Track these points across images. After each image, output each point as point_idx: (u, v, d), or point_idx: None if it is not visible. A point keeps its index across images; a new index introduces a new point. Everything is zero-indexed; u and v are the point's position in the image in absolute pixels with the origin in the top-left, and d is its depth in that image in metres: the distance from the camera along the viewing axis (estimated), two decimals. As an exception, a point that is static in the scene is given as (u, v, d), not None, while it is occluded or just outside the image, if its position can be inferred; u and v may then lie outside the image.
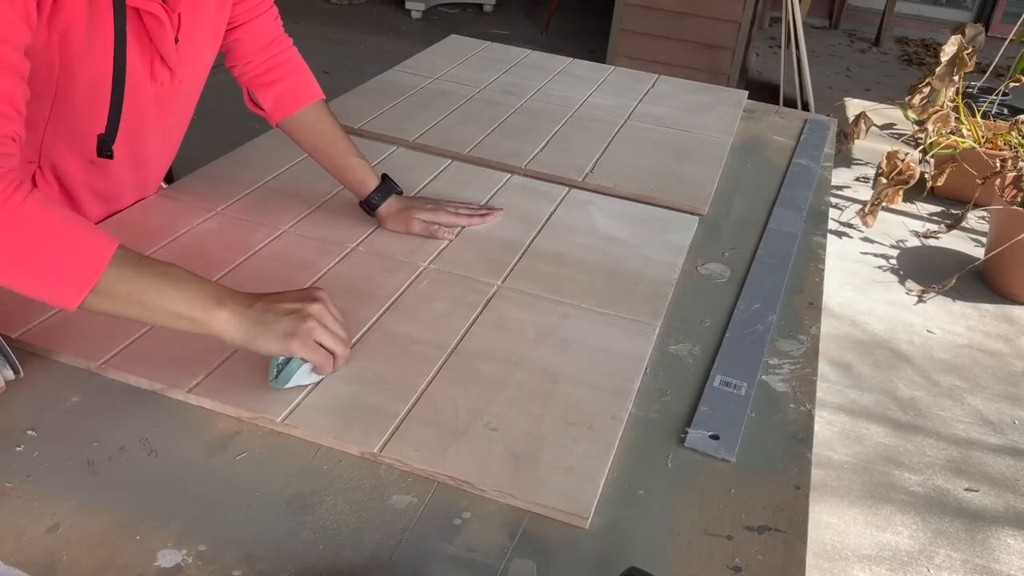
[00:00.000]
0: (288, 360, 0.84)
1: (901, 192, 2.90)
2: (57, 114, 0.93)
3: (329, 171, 1.21)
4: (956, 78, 2.82)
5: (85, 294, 0.75)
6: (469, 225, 1.21)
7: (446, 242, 1.17)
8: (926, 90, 2.91)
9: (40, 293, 0.76)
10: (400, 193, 1.21)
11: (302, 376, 0.85)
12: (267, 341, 0.81)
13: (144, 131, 1.08)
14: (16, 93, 0.79)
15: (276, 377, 0.85)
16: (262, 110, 1.18)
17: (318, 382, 0.87)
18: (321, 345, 0.84)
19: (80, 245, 0.76)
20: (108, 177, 1.11)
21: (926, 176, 3.07)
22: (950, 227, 3.07)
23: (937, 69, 2.83)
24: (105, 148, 0.99)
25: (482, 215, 1.22)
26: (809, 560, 1.57)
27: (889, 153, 2.98)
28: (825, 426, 2.23)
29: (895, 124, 4.12)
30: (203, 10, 1.03)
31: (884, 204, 2.95)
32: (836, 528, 1.92)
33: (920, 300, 2.82)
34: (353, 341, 0.95)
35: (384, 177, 1.19)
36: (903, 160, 2.91)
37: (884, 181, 2.92)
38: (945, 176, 3.07)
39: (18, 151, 0.79)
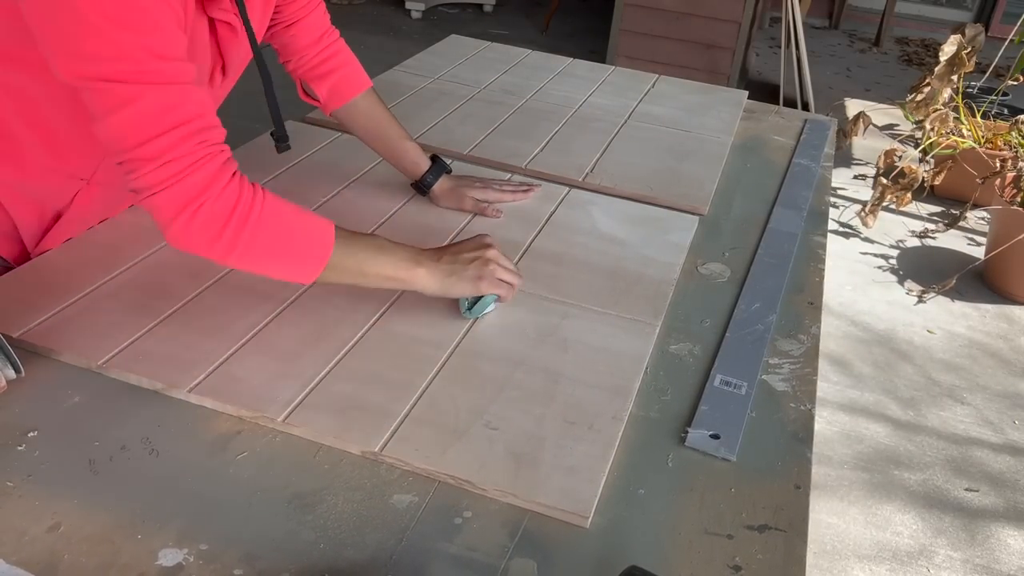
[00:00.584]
0: (477, 298, 0.98)
1: (910, 195, 2.90)
2: None
3: (382, 155, 1.28)
4: (955, 78, 2.82)
5: (321, 270, 0.89)
6: (513, 201, 1.29)
7: (446, 241, 1.17)
8: (926, 90, 2.92)
9: (286, 275, 0.89)
10: (450, 172, 1.29)
11: (487, 305, 1.00)
12: (461, 285, 0.97)
13: None
14: (207, 101, 0.85)
15: (469, 309, 0.99)
16: (317, 101, 1.23)
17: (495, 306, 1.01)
18: (502, 280, 0.98)
19: (310, 232, 0.89)
20: None
21: (925, 176, 3.07)
22: (948, 226, 3.07)
23: (936, 68, 2.83)
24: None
25: (524, 191, 1.31)
26: (809, 560, 1.58)
27: (887, 152, 2.99)
28: (825, 426, 2.23)
29: (895, 124, 4.13)
30: (253, 15, 1.05)
31: (892, 207, 2.95)
32: (836, 528, 1.92)
33: (920, 300, 2.82)
34: (353, 341, 0.95)
35: (434, 158, 1.27)
36: (901, 159, 2.91)
37: (884, 181, 2.92)
38: (943, 175, 3.07)
39: (229, 151, 0.87)
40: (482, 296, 0.99)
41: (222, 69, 1.05)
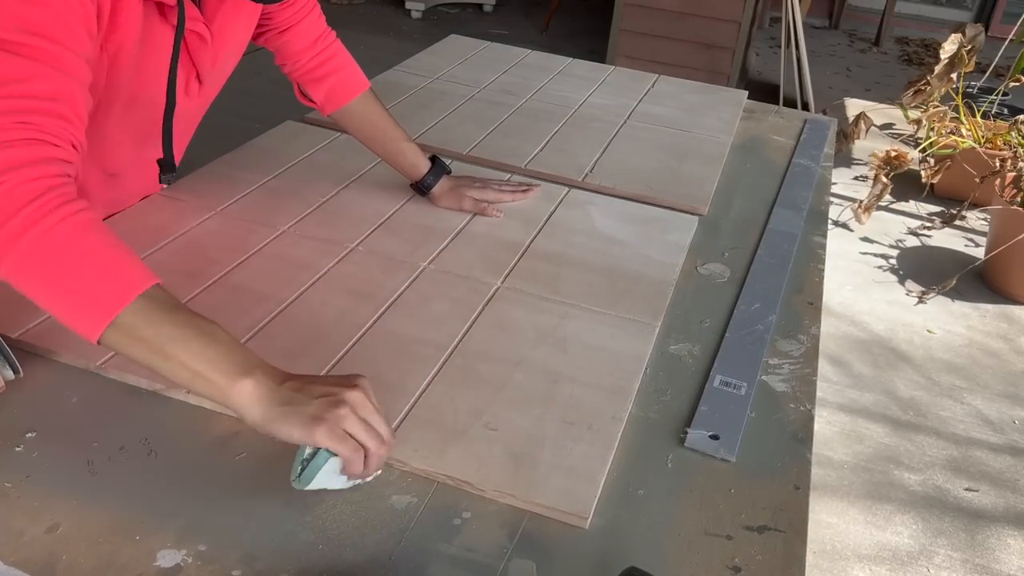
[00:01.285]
0: (314, 454, 0.72)
1: (891, 173, 2.89)
2: (89, 129, 0.87)
3: (381, 156, 1.27)
4: (954, 76, 2.82)
5: (104, 326, 0.68)
6: (512, 201, 1.28)
7: (446, 241, 1.17)
8: (925, 88, 2.92)
9: (63, 316, 0.70)
10: (450, 173, 1.27)
11: (328, 476, 0.72)
12: (290, 423, 0.69)
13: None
14: (80, 99, 0.77)
15: (299, 476, 0.72)
16: (313, 103, 1.23)
17: (350, 488, 0.76)
18: (351, 437, 0.71)
19: (112, 274, 0.70)
20: (120, 187, 1.12)
21: (923, 175, 3.07)
22: (945, 223, 3.07)
23: (936, 68, 2.83)
24: (167, 171, 1.01)
25: (523, 191, 1.29)
26: (809, 560, 1.57)
27: (886, 152, 2.99)
28: (825, 426, 2.23)
29: (895, 124, 4.12)
30: (234, 26, 1.05)
31: (880, 200, 2.95)
32: (836, 528, 1.92)
33: (920, 301, 2.82)
34: (352, 341, 0.95)
35: (434, 159, 1.26)
36: (896, 156, 2.91)
37: (885, 180, 2.92)
38: (942, 174, 3.07)
39: (78, 160, 0.77)
40: (317, 454, 0.71)
41: (197, 78, 1.04)
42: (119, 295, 0.69)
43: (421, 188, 1.25)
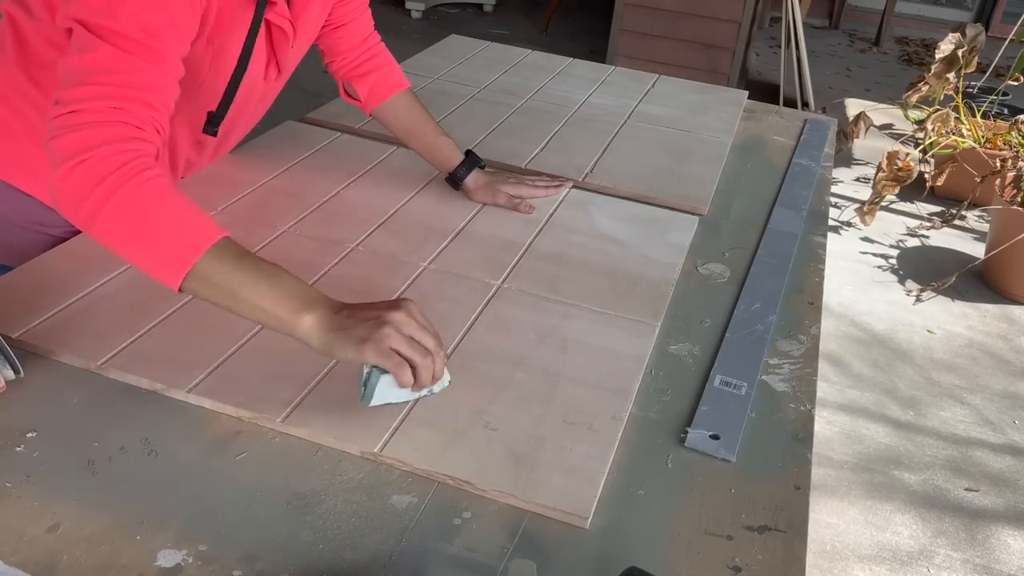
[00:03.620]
0: (370, 374, 0.79)
1: (897, 186, 2.90)
2: (181, 101, 0.95)
3: (418, 151, 1.31)
4: (951, 76, 2.82)
5: (183, 275, 0.77)
6: (546, 196, 1.31)
7: (446, 241, 1.17)
8: (924, 88, 2.91)
9: (147, 268, 0.79)
10: (483, 167, 1.30)
11: (387, 391, 0.79)
12: (343, 346, 0.77)
13: (242, 116, 1.20)
14: (170, 92, 0.87)
15: (363, 396, 0.80)
16: (357, 100, 1.30)
17: (414, 402, 0.83)
18: (398, 352, 0.77)
19: (187, 229, 0.79)
20: (201, 150, 1.23)
21: (926, 176, 3.07)
22: (944, 223, 3.07)
23: (933, 67, 2.83)
24: (211, 127, 1.09)
25: (556, 186, 1.33)
26: (809, 560, 1.58)
27: (890, 153, 2.98)
28: (825, 426, 2.23)
29: (895, 124, 4.12)
30: (310, 19, 1.13)
31: (882, 201, 2.95)
32: (836, 528, 1.92)
33: (918, 299, 2.82)
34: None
35: (468, 153, 1.28)
36: (903, 160, 2.91)
37: (885, 181, 2.92)
38: (945, 176, 3.07)
39: (159, 144, 0.84)
40: (371, 373, 0.78)
41: (276, 66, 1.13)
42: (194, 248, 0.78)
43: (454, 180, 1.27)
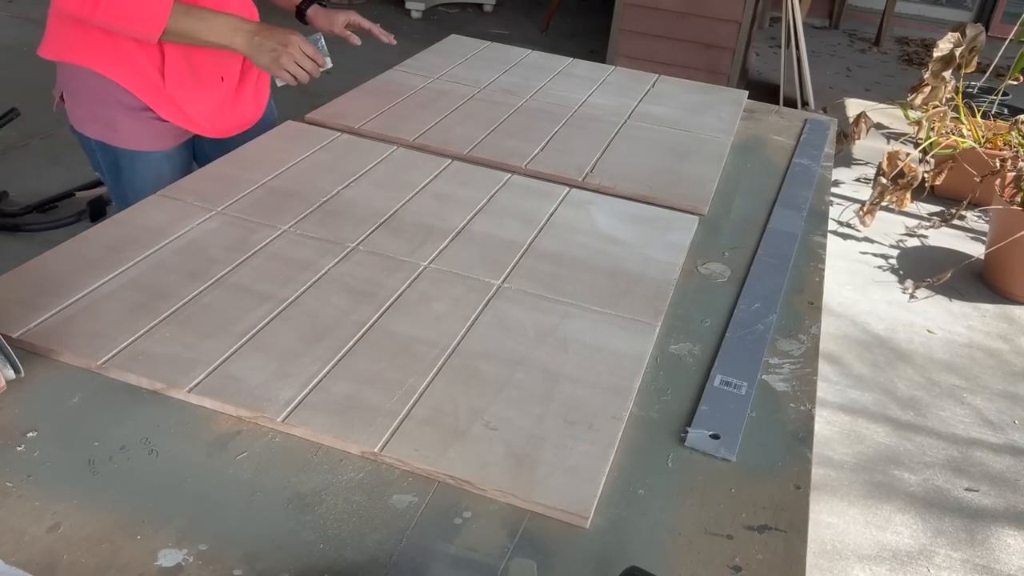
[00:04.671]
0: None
1: (909, 195, 2.90)
2: None
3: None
4: (947, 74, 2.82)
5: (162, 29, 1.24)
6: (369, 31, 1.59)
7: (446, 241, 1.17)
8: (926, 90, 2.92)
9: (135, 30, 1.23)
10: (324, 5, 1.61)
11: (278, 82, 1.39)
12: (261, 58, 1.31)
13: None
14: None
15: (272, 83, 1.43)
16: None
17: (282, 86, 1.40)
18: (286, 69, 1.33)
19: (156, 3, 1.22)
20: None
21: (925, 176, 3.07)
22: (942, 223, 3.07)
23: (931, 65, 2.83)
24: None
25: (384, 34, 1.62)
26: (809, 560, 1.57)
27: (890, 154, 2.98)
28: (825, 426, 2.23)
29: (895, 124, 4.12)
30: None
31: (893, 207, 2.95)
32: (836, 528, 1.92)
33: (913, 296, 2.82)
34: (352, 340, 0.95)
35: None
36: (904, 161, 2.91)
37: (884, 181, 2.92)
38: (944, 175, 3.07)
39: None
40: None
41: None
42: (163, 9, 1.22)
43: (300, 14, 1.58)
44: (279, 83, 1.39)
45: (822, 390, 2.35)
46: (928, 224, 3.24)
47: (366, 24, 1.57)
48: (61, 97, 1.40)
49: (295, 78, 1.34)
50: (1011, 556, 1.89)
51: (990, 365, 2.55)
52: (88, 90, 1.35)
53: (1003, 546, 1.91)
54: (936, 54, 2.81)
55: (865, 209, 2.99)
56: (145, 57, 1.33)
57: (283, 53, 1.30)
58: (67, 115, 1.40)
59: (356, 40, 1.54)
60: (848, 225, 3.27)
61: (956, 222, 3.31)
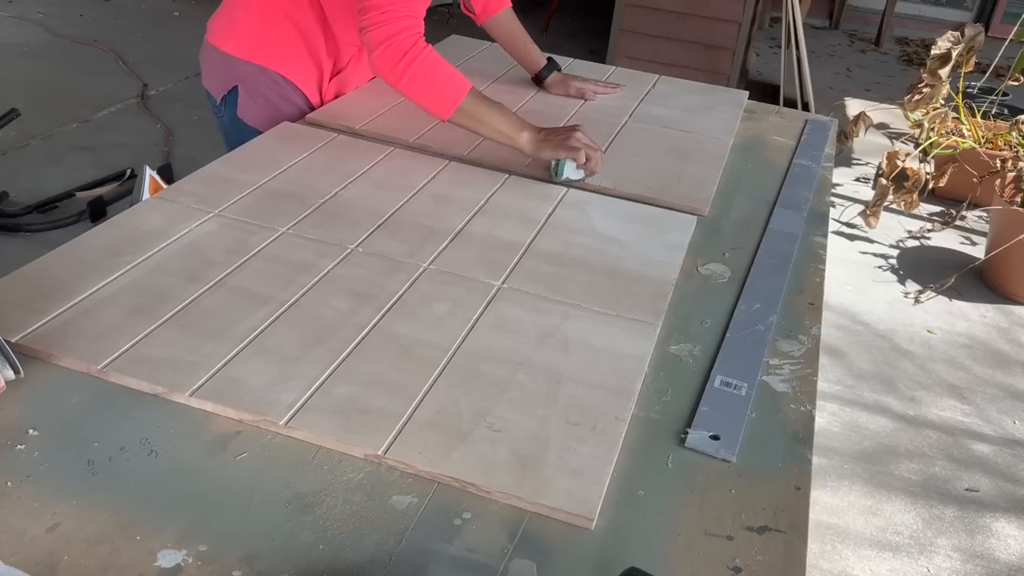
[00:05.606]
0: (559, 161, 1.34)
1: (917, 198, 2.90)
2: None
3: (513, 55, 1.78)
4: (944, 73, 2.81)
5: (454, 110, 1.32)
6: (605, 93, 1.77)
7: (446, 242, 1.17)
8: (926, 90, 2.91)
9: (432, 106, 1.33)
10: (559, 70, 1.78)
11: (569, 170, 1.35)
12: (546, 149, 1.35)
13: None
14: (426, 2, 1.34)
15: (556, 171, 1.36)
16: (473, 13, 1.71)
17: (583, 179, 1.38)
18: (576, 148, 1.34)
19: (453, 81, 1.33)
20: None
21: (928, 176, 3.07)
22: (944, 225, 3.07)
23: (928, 63, 2.83)
24: None
25: (612, 87, 1.78)
26: (809, 560, 1.57)
27: (889, 153, 2.98)
28: (825, 424, 2.23)
29: (895, 124, 4.12)
30: None
31: (898, 208, 2.95)
32: (836, 527, 1.92)
33: (917, 301, 2.82)
34: (354, 343, 0.95)
35: (550, 59, 1.77)
36: (903, 161, 2.90)
37: (884, 182, 2.92)
38: (947, 177, 3.07)
39: (422, 29, 1.32)
40: (559, 161, 1.35)
41: None
42: (460, 92, 1.33)
43: (539, 79, 1.76)
44: (573, 174, 1.36)
45: (822, 389, 2.35)
46: (930, 228, 3.24)
47: (590, 96, 1.74)
48: (228, 90, 1.54)
49: (587, 161, 1.34)
50: (1011, 556, 1.89)
51: (990, 364, 2.55)
52: (268, 87, 1.52)
53: (1003, 546, 1.92)
54: (934, 51, 2.81)
55: (869, 211, 2.99)
56: (315, 67, 1.55)
57: (569, 137, 1.34)
58: (222, 102, 1.56)
59: (594, 97, 1.75)
60: (849, 225, 3.27)
61: (956, 222, 3.31)
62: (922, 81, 2.91)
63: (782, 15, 3.98)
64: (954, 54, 2.77)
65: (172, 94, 3.91)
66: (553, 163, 1.35)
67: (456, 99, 1.31)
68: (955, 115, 3.24)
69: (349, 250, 1.13)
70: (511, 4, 1.72)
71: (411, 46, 1.28)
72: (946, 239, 3.22)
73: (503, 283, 1.09)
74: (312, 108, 1.58)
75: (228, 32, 1.51)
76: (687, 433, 0.88)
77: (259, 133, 1.51)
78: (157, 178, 2.24)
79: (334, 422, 0.83)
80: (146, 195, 2.18)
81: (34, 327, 0.93)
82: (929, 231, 3.23)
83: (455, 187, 1.33)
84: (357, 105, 1.60)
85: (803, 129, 1.73)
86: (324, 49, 1.54)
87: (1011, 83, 3.14)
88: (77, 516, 0.72)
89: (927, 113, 2.91)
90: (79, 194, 2.84)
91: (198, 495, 0.75)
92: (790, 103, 3.90)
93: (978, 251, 3.11)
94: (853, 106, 4.27)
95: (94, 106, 3.68)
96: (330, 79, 1.59)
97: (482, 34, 1.70)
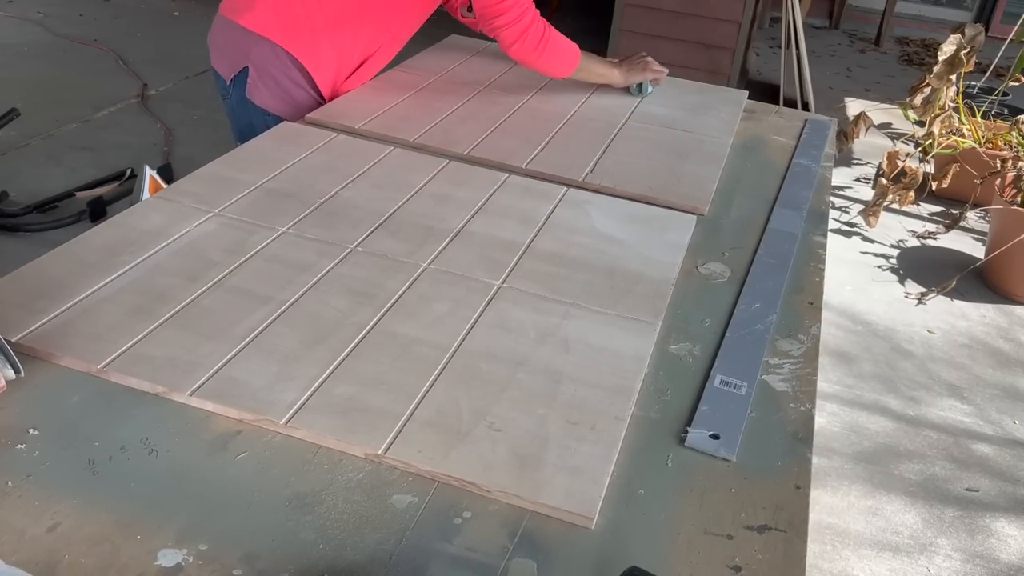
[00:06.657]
0: (641, 83, 1.78)
1: (912, 195, 2.90)
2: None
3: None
4: (953, 77, 2.82)
5: (575, 68, 1.69)
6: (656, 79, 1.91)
7: (446, 242, 1.17)
8: (927, 91, 2.91)
9: (560, 71, 1.70)
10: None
11: (648, 88, 1.80)
12: (634, 75, 1.77)
13: None
14: None
15: (642, 91, 1.79)
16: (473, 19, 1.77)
17: (646, 94, 1.79)
18: (655, 70, 1.78)
19: (572, 50, 1.69)
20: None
21: (928, 175, 3.06)
22: (948, 227, 3.07)
23: (935, 68, 2.83)
24: None
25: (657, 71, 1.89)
26: (809, 560, 1.57)
27: (889, 153, 2.98)
28: (826, 423, 2.23)
29: (895, 124, 4.12)
30: None
31: (895, 206, 2.95)
32: (836, 527, 1.92)
33: (920, 302, 2.82)
34: (354, 342, 0.95)
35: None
36: (903, 161, 2.90)
37: (885, 181, 2.92)
38: (949, 178, 3.07)
39: (538, 13, 1.63)
40: (642, 84, 1.78)
41: None
42: (577, 55, 1.69)
43: None
44: (650, 88, 1.80)
45: (822, 387, 2.35)
46: (935, 231, 3.24)
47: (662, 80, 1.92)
48: (238, 71, 1.55)
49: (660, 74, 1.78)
50: (1011, 556, 1.89)
51: (990, 364, 2.55)
52: (279, 69, 1.54)
53: (1003, 546, 1.92)
54: (941, 56, 2.81)
55: (869, 210, 2.99)
56: (336, 58, 1.59)
57: (647, 64, 1.76)
58: (231, 83, 1.57)
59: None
60: (849, 225, 3.26)
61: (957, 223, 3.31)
62: (923, 81, 2.91)
63: (782, 15, 3.98)
64: (962, 55, 2.77)
65: (172, 94, 3.91)
66: (634, 85, 1.77)
67: (575, 61, 1.67)
68: (956, 116, 3.24)
69: (349, 250, 1.13)
70: None
71: (541, 32, 1.60)
72: (946, 239, 3.22)
73: (503, 283, 1.09)
74: (322, 97, 1.59)
75: (249, 5, 1.53)
76: (687, 432, 0.88)
77: (267, 114, 1.56)
78: (157, 178, 2.25)
79: (334, 421, 0.84)
80: (146, 195, 2.18)
81: (34, 327, 0.93)
82: (933, 234, 3.23)
83: (455, 187, 1.33)
84: (357, 105, 1.60)
85: (803, 129, 1.73)
86: (353, 42, 1.59)
87: (1011, 83, 3.14)
88: (77, 515, 0.72)
89: (930, 115, 2.91)
90: (79, 194, 2.84)
91: (198, 494, 0.75)
92: (790, 103, 3.90)
93: (978, 251, 3.11)
94: (853, 106, 4.27)
95: (94, 106, 3.68)
96: (350, 74, 1.63)
97: (482, 34, 1.68)
